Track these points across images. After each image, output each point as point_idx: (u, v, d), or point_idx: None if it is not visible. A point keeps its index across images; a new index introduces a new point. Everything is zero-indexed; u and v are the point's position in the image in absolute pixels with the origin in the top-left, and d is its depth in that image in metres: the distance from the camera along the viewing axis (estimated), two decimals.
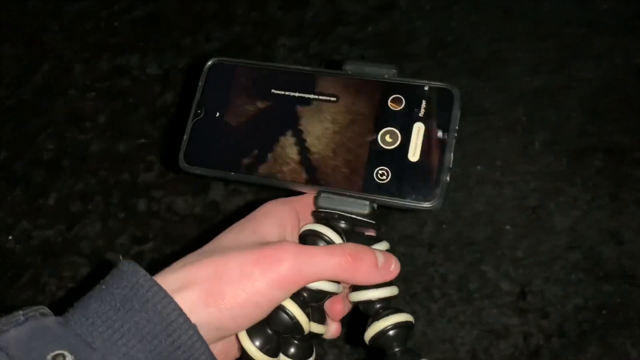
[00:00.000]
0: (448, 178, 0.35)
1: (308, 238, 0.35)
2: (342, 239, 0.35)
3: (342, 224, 0.36)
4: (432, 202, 0.35)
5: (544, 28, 0.91)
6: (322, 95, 0.37)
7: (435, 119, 0.36)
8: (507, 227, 0.73)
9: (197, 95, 0.38)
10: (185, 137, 0.37)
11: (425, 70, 0.88)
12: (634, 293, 0.67)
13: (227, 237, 0.34)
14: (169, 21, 0.86)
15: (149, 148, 0.77)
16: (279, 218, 0.35)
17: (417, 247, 0.72)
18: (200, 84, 0.39)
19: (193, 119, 0.38)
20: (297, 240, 0.36)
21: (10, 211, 0.72)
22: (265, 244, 0.32)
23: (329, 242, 0.35)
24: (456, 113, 0.36)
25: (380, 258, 0.34)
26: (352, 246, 0.34)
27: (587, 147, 0.79)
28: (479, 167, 0.77)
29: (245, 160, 0.37)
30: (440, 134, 0.36)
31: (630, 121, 0.81)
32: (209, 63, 0.39)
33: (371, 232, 0.38)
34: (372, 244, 0.37)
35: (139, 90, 0.80)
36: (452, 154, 0.35)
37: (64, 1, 0.87)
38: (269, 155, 0.37)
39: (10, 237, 0.71)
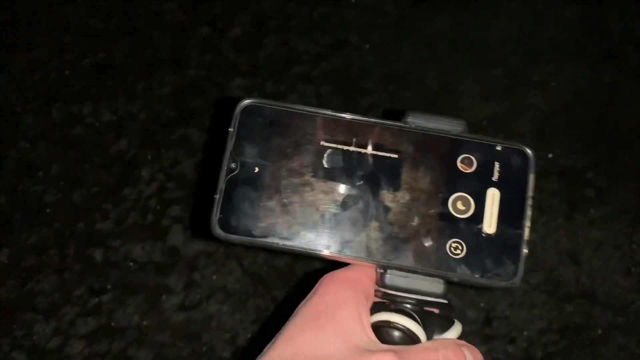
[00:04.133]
0: (526, 251, 0.32)
1: (384, 330, 0.31)
2: (422, 329, 0.32)
3: (413, 306, 0.32)
4: (513, 280, 0.31)
5: (491, 58, 0.94)
6: (382, 151, 0.33)
7: (510, 184, 0.32)
8: None
9: (229, 146, 0.33)
10: (217, 197, 0.32)
11: (379, 104, 0.90)
12: (595, 312, 0.68)
13: (306, 341, 0.29)
14: (120, 68, 0.86)
15: (105, 196, 0.75)
16: (355, 310, 0.31)
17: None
18: (231, 130, 0.33)
19: (227, 175, 0.32)
20: (370, 329, 0.31)
21: None
22: (357, 351, 0.29)
23: (409, 335, 0.31)
24: (531, 177, 0.32)
25: (469, 356, 0.32)
26: (444, 351, 0.31)
27: (540, 170, 0.81)
28: None
29: (294, 228, 0.32)
30: (516, 201, 0.32)
31: (578, 143, 0.84)
32: (242, 104, 0.33)
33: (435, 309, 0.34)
34: (448, 327, 0.33)
35: (92, 138, 0.79)
36: (529, 224, 0.32)
37: (14, 51, 0.86)
38: (323, 223, 0.32)
39: None
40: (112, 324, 0.68)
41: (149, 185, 0.76)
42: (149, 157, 0.78)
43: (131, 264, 0.71)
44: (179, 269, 0.71)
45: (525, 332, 0.67)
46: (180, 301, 0.70)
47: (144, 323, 0.69)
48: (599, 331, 0.67)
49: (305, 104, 0.94)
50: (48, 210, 0.74)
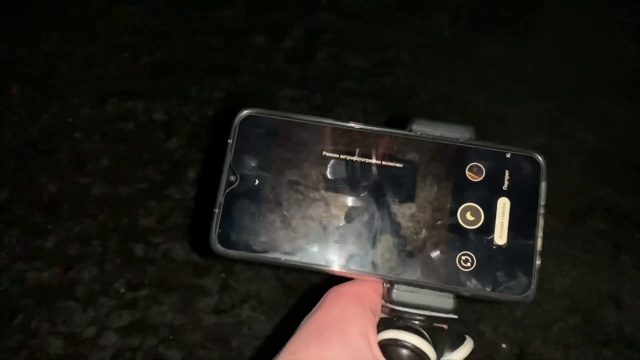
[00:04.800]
0: (539, 263, 0.30)
1: (391, 348, 0.30)
2: (431, 347, 0.30)
3: (422, 322, 0.31)
4: (526, 293, 0.30)
5: (544, 89, 0.93)
6: (386, 160, 0.31)
7: (521, 193, 0.31)
8: None
9: (228, 157, 0.31)
10: (216, 210, 0.31)
11: None
12: (633, 359, 0.66)
13: (310, 356, 0.28)
14: (176, 69, 0.88)
15: (150, 193, 0.77)
16: (361, 326, 0.29)
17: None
18: (230, 142, 0.31)
19: (226, 188, 0.31)
20: (376, 346, 0.30)
21: (6, 252, 0.71)
22: None
23: (418, 354, 0.30)
24: (543, 186, 0.31)
25: None
26: None
27: (586, 208, 0.79)
28: None
29: (297, 243, 0.31)
30: (527, 211, 0.31)
31: (628, 184, 0.82)
32: (241, 115, 0.32)
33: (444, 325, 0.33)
34: (459, 344, 0.32)
35: (143, 135, 0.81)
36: (542, 234, 0.30)
37: (75, 45, 0.89)
38: (327, 237, 0.31)
39: (5, 279, 0.70)
40: (146, 320, 0.69)
41: (193, 187, 0.78)
42: (196, 158, 0.80)
43: (169, 262, 0.72)
44: (215, 272, 0.72)
45: None
46: (214, 304, 0.70)
47: (177, 322, 0.70)
48: None
49: (351, 119, 0.94)
50: (95, 202, 0.76)
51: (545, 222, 0.31)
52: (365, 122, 0.32)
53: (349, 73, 0.95)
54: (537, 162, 0.31)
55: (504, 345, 0.68)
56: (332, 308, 0.30)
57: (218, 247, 0.31)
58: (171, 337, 0.69)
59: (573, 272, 0.73)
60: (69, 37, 0.90)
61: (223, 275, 0.72)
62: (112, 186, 0.77)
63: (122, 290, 0.71)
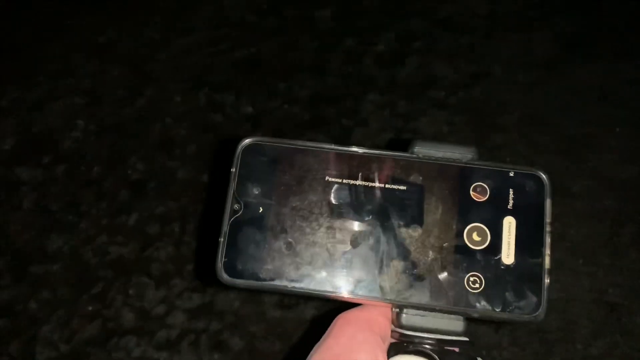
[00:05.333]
0: (548, 281, 0.30)
1: None
2: None
3: (433, 346, 0.31)
4: (536, 313, 0.30)
5: None
6: (390, 183, 0.32)
7: (527, 212, 0.31)
8: (583, 320, 0.69)
9: (232, 186, 0.32)
10: (221, 240, 0.31)
11: (512, 144, 0.87)
12: None
13: None
14: (266, 65, 0.90)
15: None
16: (372, 353, 0.29)
17: (483, 325, 0.69)
18: (233, 170, 0.32)
19: (230, 217, 0.31)
20: None
21: (93, 224, 0.75)
22: None
23: None
24: (548, 203, 0.31)
25: None
26: None
27: None
28: (558, 253, 0.74)
29: (303, 270, 0.31)
30: (533, 229, 0.31)
31: None
32: (244, 144, 0.33)
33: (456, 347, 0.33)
34: None
35: (229, 126, 0.84)
36: (549, 252, 0.30)
37: (175, 34, 0.93)
38: (333, 262, 0.31)
39: (88, 249, 0.74)
40: (214, 305, 0.71)
41: None
42: None
43: None
44: None
45: None
46: (280, 298, 0.71)
47: (242, 311, 0.71)
48: None
49: (435, 130, 0.92)
50: (178, 185, 0.79)
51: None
52: (373, 147, 0.32)
53: (438, 82, 0.93)
54: (540, 180, 0.31)
55: None
56: (341, 336, 0.29)
57: (224, 277, 0.31)
58: (236, 324, 0.70)
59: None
60: (170, 25, 0.94)
61: None
62: (196, 172, 0.80)
63: (194, 273, 0.73)
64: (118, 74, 0.88)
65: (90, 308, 0.71)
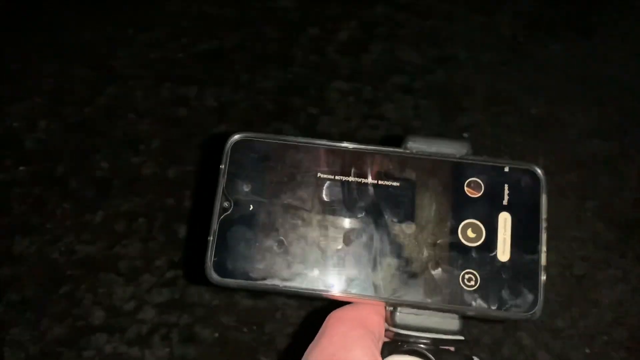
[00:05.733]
0: (544, 278, 0.30)
1: None
2: None
3: (428, 346, 0.30)
4: (533, 310, 0.29)
5: (606, 93, 0.89)
6: (383, 180, 0.31)
7: (522, 208, 0.30)
8: (549, 293, 0.70)
9: (221, 184, 0.31)
10: (210, 239, 0.30)
11: (478, 125, 0.87)
12: None
13: None
14: (229, 57, 0.90)
15: (197, 176, 0.79)
16: (367, 349, 0.28)
17: None
18: (222, 167, 0.31)
19: (220, 215, 0.30)
20: None
21: (58, 224, 0.75)
22: None
23: None
24: (544, 199, 0.31)
25: None
26: None
27: None
28: None
29: (295, 268, 0.30)
30: (529, 225, 0.30)
31: None
32: (233, 139, 0.31)
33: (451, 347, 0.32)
34: None
35: (194, 119, 0.83)
36: (545, 249, 0.30)
37: (136, 30, 0.92)
38: (325, 260, 0.30)
39: (57, 248, 0.73)
40: (184, 298, 0.71)
41: None
42: None
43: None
44: None
45: None
46: None
47: (214, 302, 0.71)
48: None
49: (401, 114, 0.92)
50: (143, 181, 0.78)
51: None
52: (360, 142, 0.32)
53: (402, 68, 0.94)
54: (536, 176, 0.31)
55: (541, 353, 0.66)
56: (334, 334, 0.29)
57: (214, 277, 0.30)
58: (207, 316, 0.70)
59: (622, 285, 0.70)
60: (131, 21, 0.93)
61: None
62: (161, 167, 0.79)
63: (164, 267, 0.73)
64: (79, 72, 0.87)
65: (59, 308, 0.70)
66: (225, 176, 0.31)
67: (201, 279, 0.71)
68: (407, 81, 0.92)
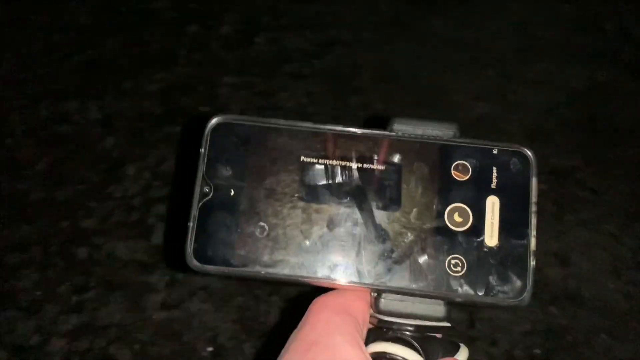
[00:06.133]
0: (534, 263, 0.29)
1: None
2: (423, 359, 0.29)
3: (413, 333, 0.29)
4: (521, 297, 0.28)
5: (485, 57, 0.93)
6: (366, 163, 0.30)
7: (511, 191, 0.29)
8: None
9: (201, 168, 0.30)
10: (190, 224, 0.29)
11: (370, 102, 0.89)
12: (579, 314, 0.67)
13: None
14: (109, 65, 0.86)
15: (90, 194, 0.75)
16: (350, 335, 0.27)
17: None
18: (202, 151, 0.30)
19: (200, 201, 0.29)
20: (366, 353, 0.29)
21: None
22: None
23: None
24: (534, 182, 0.29)
25: None
26: None
27: None
28: None
29: (277, 254, 0.29)
30: (518, 209, 0.29)
31: (570, 144, 0.83)
32: (212, 123, 0.30)
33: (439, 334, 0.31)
34: (453, 352, 0.30)
35: (79, 135, 0.79)
36: (535, 233, 0.29)
37: (3, 50, 0.86)
38: (309, 246, 0.29)
39: None
40: (95, 321, 0.68)
41: (134, 184, 0.76)
42: (135, 155, 0.78)
43: (114, 262, 0.71)
44: (161, 268, 0.71)
45: (508, 334, 0.66)
46: (163, 300, 0.69)
47: (126, 321, 0.68)
48: (584, 334, 0.66)
49: (295, 102, 0.93)
50: (32, 207, 0.74)
51: None
52: (341, 123, 0.31)
53: (291, 56, 0.94)
54: (526, 158, 0.30)
55: None
56: (317, 321, 0.28)
57: (194, 263, 0.29)
58: (122, 336, 0.67)
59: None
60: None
61: (169, 270, 0.71)
62: (49, 190, 0.75)
63: (68, 294, 0.69)
64: None
65: None
66: (205, 160, 0.30)
67: (115, 299, 0.68)
68: (298, 69, 0.92)
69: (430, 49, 0.95)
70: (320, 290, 0.31)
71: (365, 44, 0.96)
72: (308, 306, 0.29)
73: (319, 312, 0.28)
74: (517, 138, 0.83)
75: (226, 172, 0.30)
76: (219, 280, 0.70)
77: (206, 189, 0.30)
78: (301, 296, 0.69)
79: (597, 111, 0.87)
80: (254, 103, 0.89)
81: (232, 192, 0.30)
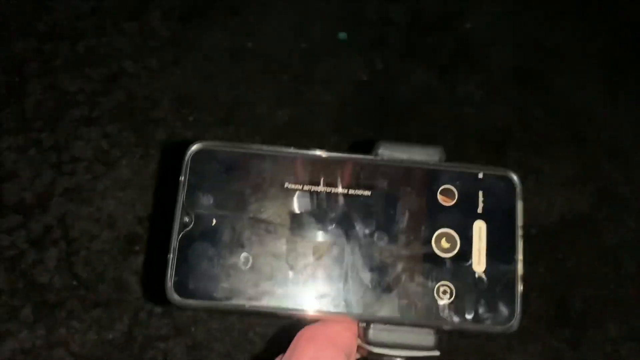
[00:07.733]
0: (522, 288, 0.29)
1: None
2: None
3: None
4: (510, 323, 0.28)
5: (274, 63, 0.96)
6: (353, 189, 0.29)
7: (498, 215, 0.29)
8: None
9: (181, 197, 0.29)
10: (170, 256, 0.28)
11: (174, 133, 0.86)
12: None
13: None
14: None
15: None
16: None
17: None
18: (182, 179, 0.29)
19: (180, 231, 0.28)
20: None
21: None
22: None
23: None
24: (519, 206, 0.30)
25: None
26: None
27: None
28: None
29: (262, 286, 0.28)
30: (505, 233, 0.29)
31: (370, 126, 0.90)
32: (192, 149, 0.29)
33: None
34: None
35: None
36: (522, 257, 0.29)
37: None
38: (294, 277, 0.28)
39: None
40: None
41: None
42: None
43: None
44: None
45: None
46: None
47: None
48: None
49: (93, 149, 0.85)
50: None
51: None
52: (317, 148, 0.30)
53: (74, 99, 0.85)
54: (511, 181, 0.30)
55: None
56: (303, 356, 0.27)
57: (175, 298, 0.28)
58: None
59: None
60: None
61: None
62: None
63: None
64: None
65: None
66: (185, 189, 0.29)
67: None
68: (86, 112, 0.85)
69: (219, 63, 0.94)
70: (308, 321, 0.30)
71: (152, 70, 0.91)
72: (293, 333, 0.28)
73: (306, 347, 0.28)
74: (326, 133, 0.88)
75: (207, 201, 0.29)
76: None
77: (186, 219, 0.29)
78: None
79: (383, 95, 0.95)
80: (47, 162, 0.79)
81: (214, 222, 0.29)
